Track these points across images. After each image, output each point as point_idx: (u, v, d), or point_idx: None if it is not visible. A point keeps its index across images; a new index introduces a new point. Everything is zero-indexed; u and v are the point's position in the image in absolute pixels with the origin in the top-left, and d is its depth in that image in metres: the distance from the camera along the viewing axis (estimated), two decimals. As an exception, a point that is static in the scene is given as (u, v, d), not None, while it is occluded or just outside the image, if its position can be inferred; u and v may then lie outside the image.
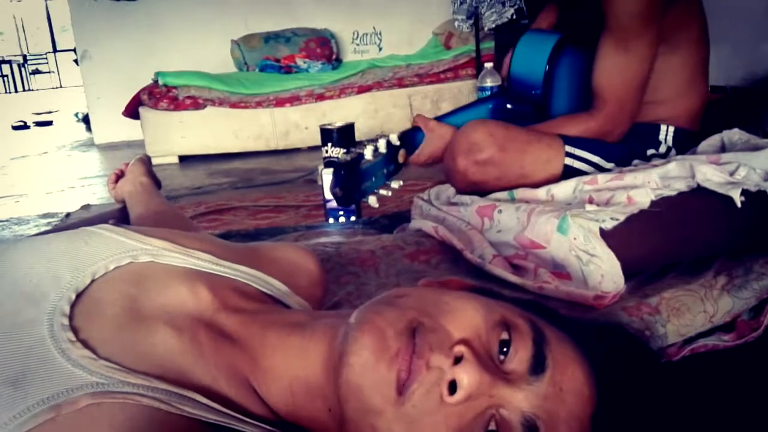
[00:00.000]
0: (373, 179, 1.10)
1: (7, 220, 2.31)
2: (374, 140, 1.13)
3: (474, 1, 2.93)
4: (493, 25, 2.88)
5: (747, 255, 0.99)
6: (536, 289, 0.98)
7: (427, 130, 1.35)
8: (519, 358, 0.52)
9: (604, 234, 0.98)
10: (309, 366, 0.58)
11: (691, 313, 0.90)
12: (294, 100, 3.34)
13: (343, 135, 1.79)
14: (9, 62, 11.60)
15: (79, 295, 0.59)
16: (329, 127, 1.79)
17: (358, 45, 4.27)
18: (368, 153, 1.08)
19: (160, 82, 3.20)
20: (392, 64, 3.62)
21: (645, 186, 1.06)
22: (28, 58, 12.15)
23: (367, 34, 4.30)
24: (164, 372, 0.54)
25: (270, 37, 3.83)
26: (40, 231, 1.81)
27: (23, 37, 12.87)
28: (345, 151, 1.17)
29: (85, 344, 0.53)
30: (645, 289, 0.96)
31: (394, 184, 1.17)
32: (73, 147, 4.30)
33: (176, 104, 3.20)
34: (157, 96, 3.19)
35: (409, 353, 0.50)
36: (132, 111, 3.29)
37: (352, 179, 1.04)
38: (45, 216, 2.34)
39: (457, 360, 0.49)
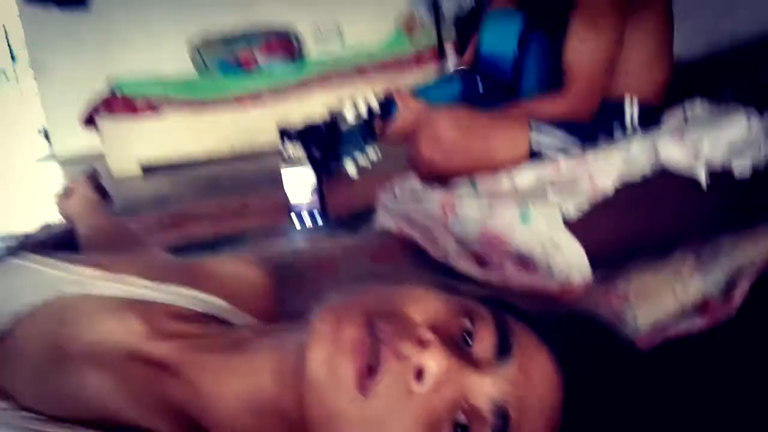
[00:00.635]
0: (351, 147, 1.06)
1: (-39, 245, 2.22)
2: (355, 106, 1.09)
3: (432, -10, 2.89)
4: (453, 15, 2.84)
5: (715, 234, 0.96)
6: (501, 283, 0.95)
7: (403, 104, 1.31)
8: (484, 346, 0.50)
9: (568, 223, 0.95)
10: (258, 383, 0.54)
11: (660, 298, 0.87)
12: (256, 100, 3.27)
13: (303, 136, 1.74)
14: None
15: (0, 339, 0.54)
16: (287, 127, 1.73)
17: (319, 40, 4.20)
18: (349, 116, 1.03)
19: (117, 91, 3.12)
20: (355, 58, 3.57)
21: (608, 171, 1.03)
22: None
23: (328, 29, 4.23)
24: (92, 416, 0.50)
25: (229, 38, 3.75)
26: (-7, 254, 1.73)
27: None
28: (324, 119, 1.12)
29: (4, 394, 0.49)
30: (612, 276, 0.93)
31: (372, 155, 1.14)
32: (34, 162, 4.19)
33: (135, 113, 3.12)
34: (114, 105, 3.10)
35: (367, 343, 0.47)
36: (90, 121, 3.19)
37: (332, 143, 0.99)
38: (2, 239, 2.25)
39: (424, 346, 0.47)
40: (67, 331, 0.57)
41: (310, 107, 3.24)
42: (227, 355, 0.57)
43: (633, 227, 0.98)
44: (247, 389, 0.54)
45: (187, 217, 2.05)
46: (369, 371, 0.47)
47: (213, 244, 1.60)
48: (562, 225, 0.94)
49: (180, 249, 1.66)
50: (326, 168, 1.01)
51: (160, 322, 0.61)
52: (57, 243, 1.31)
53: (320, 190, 1.75)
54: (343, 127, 1.01)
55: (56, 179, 3.44)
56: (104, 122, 3.13)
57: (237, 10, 3.99)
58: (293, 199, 1.73)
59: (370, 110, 1.10)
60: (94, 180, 1.46)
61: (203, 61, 3.71)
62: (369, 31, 4.10)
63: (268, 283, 0.81)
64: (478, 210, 1.08)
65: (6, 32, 11.68)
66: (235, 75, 3.52)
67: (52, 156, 4.20)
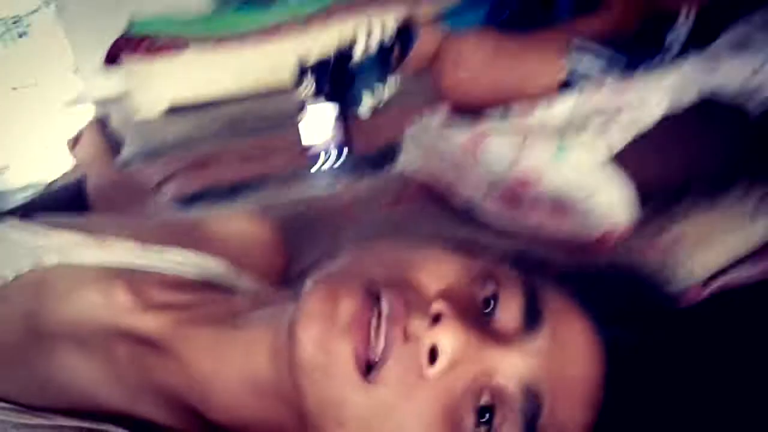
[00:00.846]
0: (364, 82, 0.96)
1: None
2: (366, 36, 0.98)
3: None
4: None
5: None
6: (533, 231, 0.85)
7: (421, 29, 1.20)
8: (509, 314, 0.43)
9: (610, 158, 0.83)
10: (255, 361, 0.48)
11: (718, 241, 0.76)
12: (277, 33, 3.13)
13: (325, 64, 1.63)
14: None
15: None
16: (305, 61, 1.62)
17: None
18: (359, 50, 0.93)
19: (136, 30, 3.02)
20: (380, -18, 3.37)
21: (655, 96, 0.90)
22: (21, 17, 11.89)
23: (352, -49, 4.00)
24: (72, 404, 0.44)
25: (249, -32, 3.58)
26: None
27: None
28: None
29: None
30: (660, 218, 0.82)
31: (388, 90, 1.04)
32: (64, 106, 4.17)
33: (155, 52, 3.02)
34: (134, 45, 3.01)
35: (366, 318, 0.40)
36: (113, 60, 3.12)
37: (342, 79, 0.90)
38: (26, 188, 2.24)
39: (436, 320, 0.40)
40: (43, 307, 0.51)
41: (334, 38, 3.10)
42: (222, 329, 0.51)
43: (684, 161, 0.85)
44: (244, 368, 0.48)
45: (209, 161, 1.99)
46: (373, 353, 0.40)
47: (232, 191, 1.53)
48: (603, 161, 0.83)
49: (199, 195, 1.60)
50: (340, 100, 0.91)
51: (149, 292, 0.55)
52: (70, 195, 1.26)
53: (344, 127, 1.65)
54: (356, 61, 0.90)
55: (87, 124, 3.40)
56: (126, 63, 3.05)
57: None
58: (315, 138, 1.64)
59: (382, 42, 0.99)
60: (103, 126, 1.39)
61: (224, -6, 3.57)
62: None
63: (278, 240, 0.74)
64: (508, 147, 0.97)
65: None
66: (256, 8, 3.37)
67: (83, 98, 4.17)
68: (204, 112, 3.03)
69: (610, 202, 0.82)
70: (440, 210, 0.98)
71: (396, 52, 1.08)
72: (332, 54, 0.90)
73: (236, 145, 2.14)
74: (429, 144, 1.19)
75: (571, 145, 0.86)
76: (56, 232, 0.58)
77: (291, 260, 0.80)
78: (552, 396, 0.41)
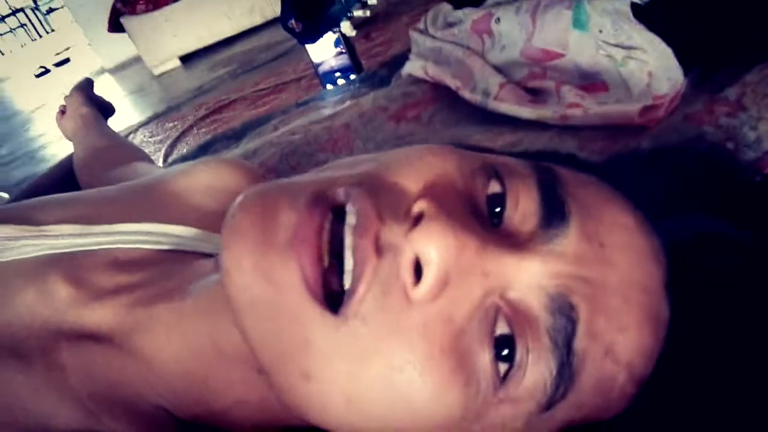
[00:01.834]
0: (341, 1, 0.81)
1: (23, 181, 2.21)
2: None
3: None
4: None
5: None
6: (560, 120, 0.70)
7: None
8: (522, 213, 0.31)
9: (640, 12, 0.66)
10: (218, 329, 0.37)
11: (793, 94, 0.59)
12: (276, -45, 2.93)
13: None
14: (21, 10, 11.40)
15: None
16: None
17: None
18: None
19: (130, -15, 2.89)
20: None
21: None
22: (37, 1, 11.89)
23: None
24: (15, 427, 0.36)
25: None
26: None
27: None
28: None
29: None
30: (716, 78, 0.65)
31: (372, 0, 0.88)
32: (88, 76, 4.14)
33: (155, 3, 2.89)
34: (132, 1, 2.89)
35: (313, 226, 0.28)
36: (116, 24, 3.02)
37: (312, 3, 0.76)
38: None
39: (418, 223, 0.29)
40: None
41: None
42: (178, 303, 0.40)
43: (738, 5, 0.67)
44: (207, 343, 0.38)
45: (222, 107, 1.89)
46: (314, 271, 0.28)
47: (238, 134, 1.43)
48: (631, 17, 0.66)
49: (209, 143, 1.51)
50: (313, 37, 0.77)
51: (95, 277, 0.45)
52: (62, 173, 1.18)
53: (347, 44, 1.50)
54: None
55: (112, 90, 3.35)
56: (129, 22, 2.94)
57: None
58: (318, 61, 1.50)
59: None
60: (85, 91, 1.28)
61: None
62: None
63: (255, 184, 0.61)
64: (520, 27, 0.81)
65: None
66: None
67: (102, 69, 4.11)
68: (215, 55, 2.92)
69: (648, 68, 0.65)
70: (451, 115, 0.84)
71: None
72: None
73: (249, 83, 2.03)
74: (434, 45, 1.03)
75: (591, 8, 0.70)
76: None
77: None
78: (590, 308, 0.29)
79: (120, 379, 0.39)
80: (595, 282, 0.30)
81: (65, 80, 4.59)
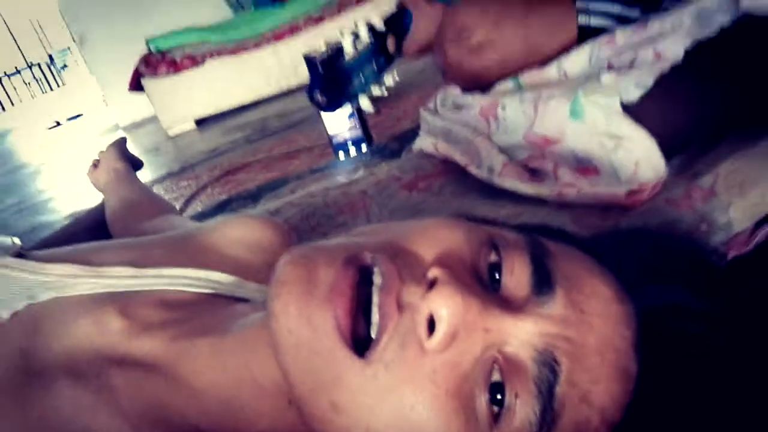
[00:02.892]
0: (362, 77, 0.91)
1: (36, 228, 2.27)
2: (353, 29, 0.93)
3: None
4: None
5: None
6: (556, 197, 0.79)
7: (415, 10, 1.12)
8: (516, 279, 0.39)
9: (630, 108, 0.76)
10: (254, 365, 0.44)
11: (758, 186, 0.68)
12: (294, 30, 3.11)
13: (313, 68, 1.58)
14: (38, 65, 11.75)
15: None
16: (312, 54, 1.58)
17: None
18: (347, 44, 0.88)
19: (153, 49, 3.05)
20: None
21: (676, 32, 0.82)
22: (53, 56, 12.26)
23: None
24: None
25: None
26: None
27: (44, 37, 12.95)
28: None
29: None
30: (694, 167, 0.74)
31: (388, 80, 0.98)
32: (101, 135, 4.26)
33: (176, 67, 3.05)
34: (154, 64, 3.04)
35: (348, 284, 0.36)
36: (136, 85, 3.16)
37: (334, 79, 0.85)
38: (70, 216, 2.28)
39: (432, 287, 0.36)
40: (37, 342, 0.48)
41: (351, 27, 3.05)
42: (219, 336, 0.47)
43: (714, 101, 0.78)
44: (243, 376, 0.44)
45: (237, 169, 1.99)
46: (347, 323, 0.35)
47: (255, 195, 1.52)
48: (621, 112, 0.76)
49: (226, 203, 1.60)
50: (335, 109, 0.86)
51: (145, 314, 0.52)
52: (91, 223, 1.26)
53: (360, 118, 1.61)
54: (347, 60, 0.85)
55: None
56: (149, 83, 3.08)
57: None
58: (333, 132, 1.61)
59: (373, 31, 0.93)
60: (120, 148, 1.38)
61: (237, 1, 3.57)
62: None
63: (284, 241, 0.69)
64: (522, 113, 0.91)
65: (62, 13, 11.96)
66: (271, 8, 3.36)
67: (116, 126, 4.25)
68: (230, 119, 3.05)
69: (635, 157, 0.75)
70: (459, 188, 0.92)
71: (391, 39, 1.01)
72: (320, 59, 0.84)
73: (262, 149, 2.13)
74: (443, 124, 1.13)
75: (587, 102, 0.79)
76: (50, 266, 0.56)
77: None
78: (571, 362, 0.36)
79: (164, 402, 0.46)
80: (576, 341, 0.37)
81: (76, 134, 4.73)
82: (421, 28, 1.09)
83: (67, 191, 2.80)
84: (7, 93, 10.82)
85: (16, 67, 11.30)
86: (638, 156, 0.75)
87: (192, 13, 3.65)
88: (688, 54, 0.78)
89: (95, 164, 1.39)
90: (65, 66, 12.45)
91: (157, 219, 0.95)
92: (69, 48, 12.32)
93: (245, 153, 2.23)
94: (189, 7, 3.75)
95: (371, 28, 0.95)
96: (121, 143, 1.40)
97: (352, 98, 0.89)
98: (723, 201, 0.68)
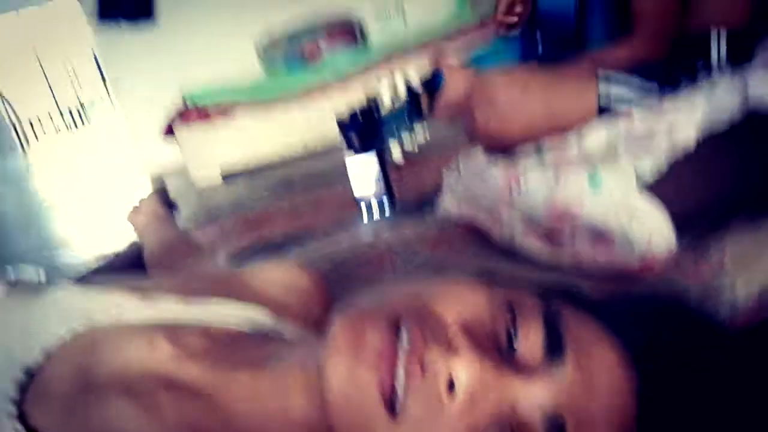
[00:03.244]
0: (395, 129, 0.98)
1: (58, 267, 2.34)
2: (392, 85, 1.01)
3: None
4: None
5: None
6: (572, 263, 0.84)
7: (448, 74, 1.20)
8: (530, 343, 0.43)
9: (645, 185, 0.83)
10: (289, 399, 0.49)
11: (764, 263, 0.74)
12: (323, 92, 3.24)
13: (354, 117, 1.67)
14: (68, 109, 12.13)
15: (31, 373, 0.52)
16: (342, 118, 1.67)
17: (382, 23, 4.13)
18: (386, 98, 0.96)
19: (188, 102, 3.18)
20: (418, 36, 3.46)
21: (689, 121, 0.89)
22: (82, 102, 12.65)
23: (390, 11, 4.14)
24: None
25: (292, 33, 3.75)
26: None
27: (77, 84, 13.40)
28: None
29: None
30: (703, 243, 0.80)
31: (419, 136, 1.06)
32: (125, 180, 4.39)
33: (208, 120, 3.17)
34: (189, 116, 3.17)
35: (391, 350, 0.41)
36: (170, 132, 3.29)
37: (370, 128, 0.93)
38: (97, 259, 2.35)
39: (454, 351, 0.41)
40: (95, 360, 0.53)
41: (370, 92, 3.18)
42: (258, 371, 0.52)
43: (723, 183, 0.84)
44: (280, 407, 0.49)
45: (262, 219, 2.06)
46: (390, 388, 0.40)
47: (284, 244, 1.58)
48: (636, 188, 0.82)
49: (253, 251, 1.65)
50: (369, 150, 0.94)
51: (191, 342, 0.57)
52: (128, 261, 1.32)
53: (385, 178, 1.69)
54: (383, 111, 0.93)
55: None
56: (181, 134, 3.20)
57: (298, 5, 3.97)
58: (359, 190, 1.68)
59: (410, 88, 1.02)
60: (162, 194, 1.47)
61: (270, 60, 3.73)
62: (431, 6, 3.98)
63: (318, 288, 0.75)
64: (544, 181, 0.98)
65: (96, 59, 12.41)
66: (302, 70, 3.51)
67: (144, 171, 4.38)
68: (255, 175, 3.15)
69: (648, 229, 0.81)
70: (481, 249, 0.98)
71: (424, 98, 1.10)
72: (360, 107, 0.93)
73: (286, 203, 2.21)
74: (467, 186, 1.20)
75: (605, 175, 0.86)
76: (107, 294, 0.62)
77: (332, 309, 0.82)
78: (575, 423, 0.40)
79: (203, 425, 0.51)
80: (582, 405, 0.41)
81: (99, 176, 4.87)
82: (452, 91, 1.18)
83: (86, 230, 2.89)
84: (34, 131, 11.14)
85: (49, 112, 11.67)
86: (651, 229, 0.80)
87: (226, 68, 3.82)
88: (700, 141, 0.84)
89: (137, 207, 1.47)
90: (92, 111, 12.80)
91: (201, 260, 1.02)
92: (100, 96, 12.69)
93: (268, 206, 2.30)
94: (224, 62, 3.93)
95: (408, 86, 1.04)
96: (161, 190, 1.49)
97: (384, 147, 0.96)
98: (729, 277, 0.73)
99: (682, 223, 0.81)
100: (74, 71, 13.12)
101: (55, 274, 2.01)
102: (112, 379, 0.52)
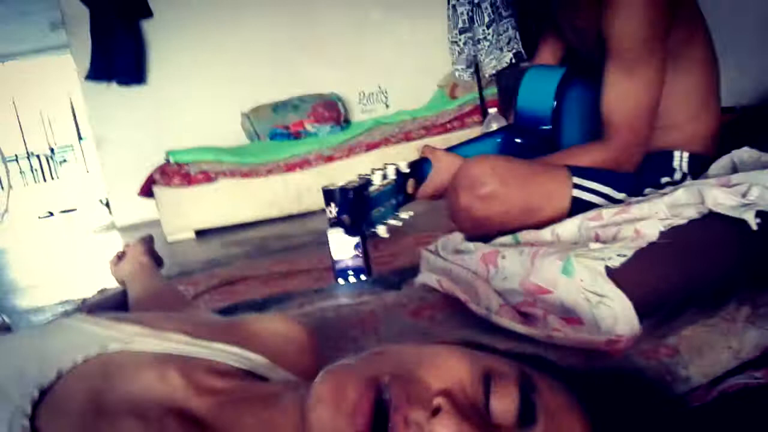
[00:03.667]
0: (382, 208, 1.06)
1: (24, 311, 2.31)
2: (382, 168, 1.10)
3: (472, 50, 2.93)
4: (493, 71, 2.87)
5: (771, 281, 0.92)
6: (545, 338, 0.92)
7: (435, 160, 1.30)
8: (505, 409, 0.47)
9: (612, 272, 0.92)
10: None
11: (714, 351, 0.83)
12: (304, 164, 3.35)
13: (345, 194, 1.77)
14: (37, 156, 12.02)
15: (44, 392, 0.55)
16: (330, 187, 1.76)
17: (365, 105, 4.31)
18: (377, 180, 1.04)
19: (172, 160, 3.25)
20: (399, 120, 3.63)
21: (653, 217, 1.00)
22: (55, 150, 12.57)
23: (373, 93, 4.33)
24: None
25: (278, 106, 3.89)
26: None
27: (49, 129, 13.37)
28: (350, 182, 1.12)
29: None
30: (662, 328, 0.89)
31: (404, 215, 1.13)
32: (95, 232, 4.36)
33: (189, 180, 3.23)
34: (169, 174, 3.22)
35: (368, 405, 0.46)
36: (147, 191, 3.32)
37: (360, 206, 1.00)
38: (62, 303, 2.33)
39: (436, 413, 0.45)
40: (107, 385, 0.57)
41: (356, 169, 3.29)
42: (258, 411, 0.57)
43: (682, 275, 0.94)
44: None
45: (237, 279, 2.09)
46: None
47: (260, 305, 1.62)
48: (605, 275, 0.91)
49: (228, 309, 1.68)
50: (357, 231, 1.02)
51: (198, 377, 0.62)
52: (111, 305, 1.35)
53: (364, 249, 1.76)
54: (372, 192, 1.02)
55: (116, 247, 3.57)
56: (160, 191, 3.25)
57: (286, 81, 4.14)
58: (337, 258, 1.75)
59: (398, 172, 1.11)
60: (147, 244, 1.51)
61: (254, 129, 3.85)
62: (413, 93, 4.19)
63: (310, 342, 0.81)
64: (519, 263, 1.06)
65: (73, 110, 12.45)
66: (285, 141, 3.63)
67: (113, 225, 4.36)
68: (229, 235, 3.19)
69: (614, 313, 0.89)
70: (460, 320, 1.05)
71: (411, 181, 1.19)
72: (353, 182, 1.01)
73: (261, 266, 2.25)
74: (443, 264, 1.28)
75: (576, 262, 0.95)
76: (120, 325, 0.66)
77: (321, 362, 0.87)
78: None
79: None
80: None
81: (68, 227, 4.83)
82: (438, 175, 1.28)
83: (53, 280, 2.86)
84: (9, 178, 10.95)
85: (16, 155, 11.53)
86: (617, 313, 0.89)
87: (210, 133, 3.92)
88: (663, 234, 0.95)
89: (120, 256, 1.50)
90: (64, 161, 12.69)
91: (190, 309, 1.06)
92: (72, 145, 12.64)
93: (243, 267, 2.33)
94: (209, 127, 4.03)
95: (397, 170, 1.13)
96: (148, 240, 1.53)
97: (372, 224, 1.04)
98: (684, 359, 0.81)
99: (644, 309, 0.90)
100: (49, 119, 13.11)
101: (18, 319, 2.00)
102: (123, 403, 0.56)
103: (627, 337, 0.86)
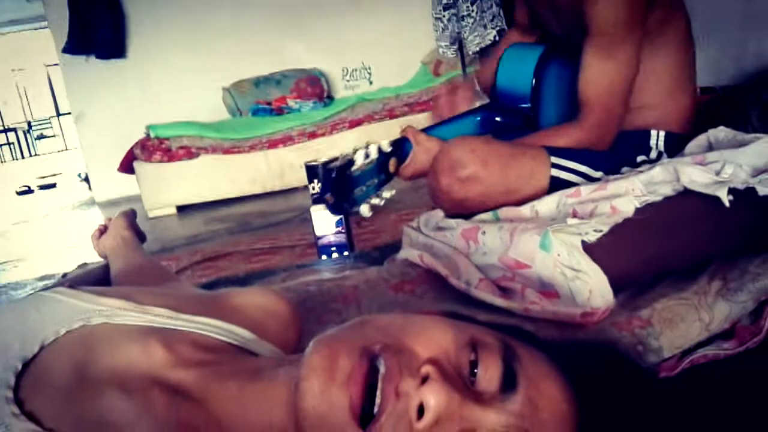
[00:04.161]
0: (365, 187, 1.07)
1: (4, 286, 2.30)
2: (365, 147, 1.10)
3: (456, 26, 2.93)
4: (477, 48, 2.87)
5: (741, 256, 0.95)
6: (523, 311, 0.94)
7: (415, 143, 1.31)
8: (489, 377, 0.49)
9: (588, 247, 0.94)
10: (271, 411, 0.55)
11: (685, 323, 0.85)
12: (287, 140, 3.34)
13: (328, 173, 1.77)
14: (14, 129, 11.81)
15: (26, 365, 0.56)
16: (314, 163, 1.77)
17: (348, 81, 4.29)
18: (359, 159, 1.05)
19: (152, 135, 3.21)
20: (382, 96, 3.63)
21: (629, 194, 1.03)
22: (32, 123, 12.36)
23: (356, 70, 4.31)
24: None
25: (260, 81, 3.86)
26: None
27: (26, 103, 13.12)
28: (333, 159, 1.13)
29: (31, 416, 0.51)
30: (636, 301, 0.92)
31: (386, 194, 1.14)
32: (74, 207, 4.33)
33: (170, 155, 3.20)
34: (150, 149, 3.19)
35: (363, 374, 0.47)
36: (127, 166, 3.29)
37: (343, 185, 1.01)
38: (42, 278, 2.33)
39: (424, 381, 0.47)
40: (90, 357, 0.58)
41: (339, 145, 3.30)
42: (244, 383, 0.58)
43: (656, 250, 0.96)
44: (263, 417, 0.55)
45: (219, 255, 2.09)
46: (359, 404, 0.47)
47: (243, 280, 1.63)
48: (581, 250, 0.93)
49: (211, 285, 1.69)
50: (340, 210, 1.03)
51: (182, 350, 0.62)
52: (93, 280, 1.35)
53: (347, 226, 1.78)
54: (355, 171, 1.03)
55: (96, 222, 3.54)
56: (141, 167, 3.22)
57: (269, 56, 4.10)
58: (320, 234, 1.76)
59: (381, 151, 1.12)
60: (130, 219, 1.50)
61: (236, 104, 3.82)
62: (397, 70, 4.17)
63: (293, 315, 0.82)
64: (499, 239, 1.08)
65: (51, 84, 12.22)
66: (267, 117, 3.61)
67: (92, 201, 4.33)
68: (211, 211, 3.18)
69: (589, 286, 0.92)
70: (440, 294, 1.07)
71: (393, 161, 1.20)
72: (336, 160, 1.02)
73: (242, 242, 2.25)
74: (425, 240, 1.30)
75: (555, 237, 0.97)
76: (102, 299, 0.67)
77: (303, 335, 0.88)
78: None
79: (193, 422, 0.57)
80: (530, 430, 0.49)
81: (46, 203, 4.77)
82: (419, 157, 1.29)
83: (33, 255, 2.84)
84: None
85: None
86: (592, 286, 0.91)
87: (191, 108, 3.88)
88: (638, 211, 0.97)
89: (101, 230, 1.50)
90: (42, 136, 12.48)
91: (173, 283, 1.06)
92: (50, 120, 12.42)
93: (225, 243, 2.33)
94: (190, 103, 3.99)
95: (379, 149, 1.13)
96: (130, 215, 1.52)
97: (355, 203, 1.05)
98: (656, 330, 0.84)
99: (618, 282, 0.93)
100: (26, 93, 12.86)
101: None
102: (107, 374, 0.56)
103: (601, 309, 0.89)
